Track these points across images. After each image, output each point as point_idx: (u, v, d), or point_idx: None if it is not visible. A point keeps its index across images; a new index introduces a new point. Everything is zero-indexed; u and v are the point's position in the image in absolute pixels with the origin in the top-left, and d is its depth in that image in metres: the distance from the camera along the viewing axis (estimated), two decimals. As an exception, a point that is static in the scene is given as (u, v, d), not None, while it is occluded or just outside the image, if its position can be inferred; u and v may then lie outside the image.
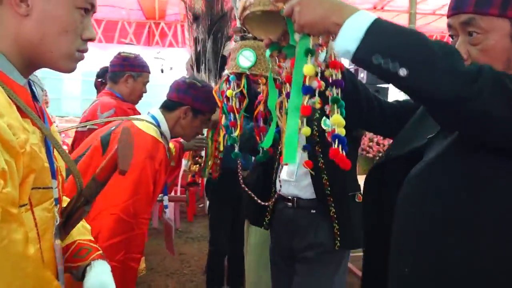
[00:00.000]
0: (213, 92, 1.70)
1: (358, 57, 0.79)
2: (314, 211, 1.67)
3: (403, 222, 0.95)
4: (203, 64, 2.42)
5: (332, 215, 1.62)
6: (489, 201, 0.83)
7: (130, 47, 5.92)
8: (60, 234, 0.88)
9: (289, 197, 1.70)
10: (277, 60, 1.08)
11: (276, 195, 1.73)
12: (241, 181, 1.71)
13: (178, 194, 4.05)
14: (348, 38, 0.79)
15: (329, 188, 1.61)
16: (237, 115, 1.49)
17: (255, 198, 1.71)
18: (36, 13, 0.75)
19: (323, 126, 1.57)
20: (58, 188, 0.86)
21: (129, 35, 6.52)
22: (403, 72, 0.75)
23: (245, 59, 1.48)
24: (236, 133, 1.47)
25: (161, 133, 1.67)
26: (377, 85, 4.68)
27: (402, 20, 6.46)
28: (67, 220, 0.91)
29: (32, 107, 0.78)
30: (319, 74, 0.89)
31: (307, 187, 1.66)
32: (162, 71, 6.44)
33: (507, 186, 0.82)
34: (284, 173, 1.69)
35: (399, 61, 0.75)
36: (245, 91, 1.49)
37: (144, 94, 2.39)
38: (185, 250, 3.99)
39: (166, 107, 1.73)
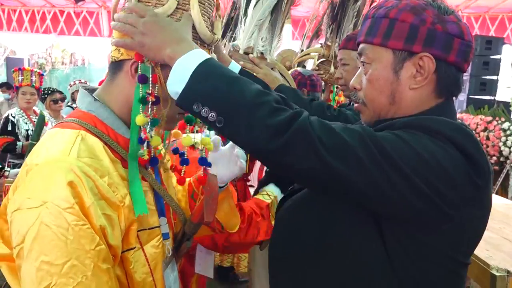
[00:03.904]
0: None
1: (180, 103, 0.79)
2: None
3: (272, 261, 1.00)
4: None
5: None
6: (335, 241, 0.86)
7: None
8: (172, 262, 0.98)
9: None
10: None
11: None
12: None
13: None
14: (176, 80, 0.78)
15: None
16: None
17: None
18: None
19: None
20: (168, 224, 0.96)
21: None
22: (219, 122, 0.75)
23: None
24: None
25: None
26: (483, 77, 4.20)
27: None
28: (176, 252, 1.02)
29: None
30: (148, 125, 0.86)
31: None
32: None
33: (349, 230, 0.84)
34: None
35: (215, 111, 0.75)
36: None
37: None
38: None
39: None
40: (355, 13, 2.61)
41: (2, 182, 3.19)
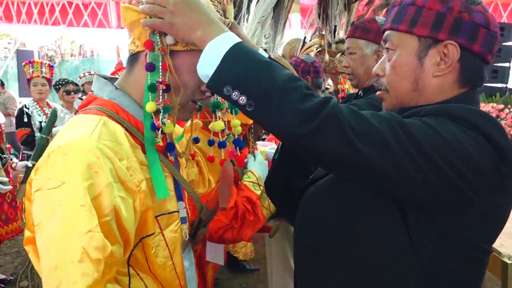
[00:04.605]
0: None
1: (210, 86, 0.80)
2: None
3: (297, 249, 1.02)
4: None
5: None
6: (360, 230, 0.86)
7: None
8: (188, 247, 1.00)
9: None
10: None
11: None
12: None
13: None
14: (207, 62, 0.79)
15: None
16: None
17: None
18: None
19: None
20: (185, 208, 0.99)
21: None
22: (250, 106, 0.75)
23: None
24: None
25: None
26: (495, 64, 4.13)
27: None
28: (193, 239, 1.03)
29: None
30: (161, 112, 0.88)
31: None
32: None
33: (375, 216, 0.84)
34: None
35: (246, 95, 0.75)
36: None
37: None
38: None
39: None
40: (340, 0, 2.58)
41: (17, 173, 3.26)
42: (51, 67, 3.90)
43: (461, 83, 0.87)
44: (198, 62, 0.80)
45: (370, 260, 0.85)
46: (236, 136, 1.04)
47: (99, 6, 8.19)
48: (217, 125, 1.00)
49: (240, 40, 0.80)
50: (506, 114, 4.28)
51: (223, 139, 1.02)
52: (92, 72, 5.22)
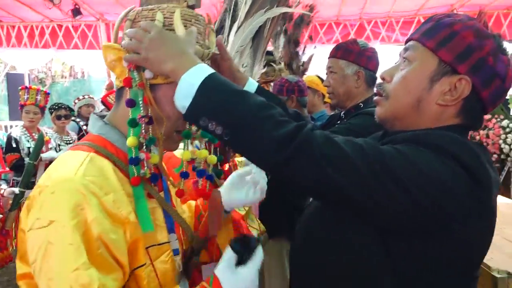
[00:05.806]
0: None
1: (187, 118, 0.83)
2: None
3: (291, 266, 1.04)
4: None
5: None
6: (342, 252, 0.86)
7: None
8: (183, 278, 1.01)
9: None
10: None
11: None
12: None
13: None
14: (183, 95, 0.81)
15: None
16: None
17: None
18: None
19: None
20: (178, 240, 0.99)
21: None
22: (226, 135, 0.77)
23: None
24: None
25: None
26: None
27: None
28: (185, 268, 1.04)
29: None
30: (144, 146, 0.90)
31: None
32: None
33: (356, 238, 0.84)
34: None
35: (222, 125, 0.77)
36: None
37: None
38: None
39: None
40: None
41: (7, 200, 3.23)
42: (47, 94, 3.89)
43: (459, 120, 0.87)
44: (175, 94, 0.82)
45: (354, 283, 0.85)
46: (201, 167, 1.02)
47: (89, 28, 8.22)
48: (185, 154, 0.99)
49: (213, 71, 0.82)
50: (494, 124, 4.34)
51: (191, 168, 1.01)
52: (91, 95, 5.19)
